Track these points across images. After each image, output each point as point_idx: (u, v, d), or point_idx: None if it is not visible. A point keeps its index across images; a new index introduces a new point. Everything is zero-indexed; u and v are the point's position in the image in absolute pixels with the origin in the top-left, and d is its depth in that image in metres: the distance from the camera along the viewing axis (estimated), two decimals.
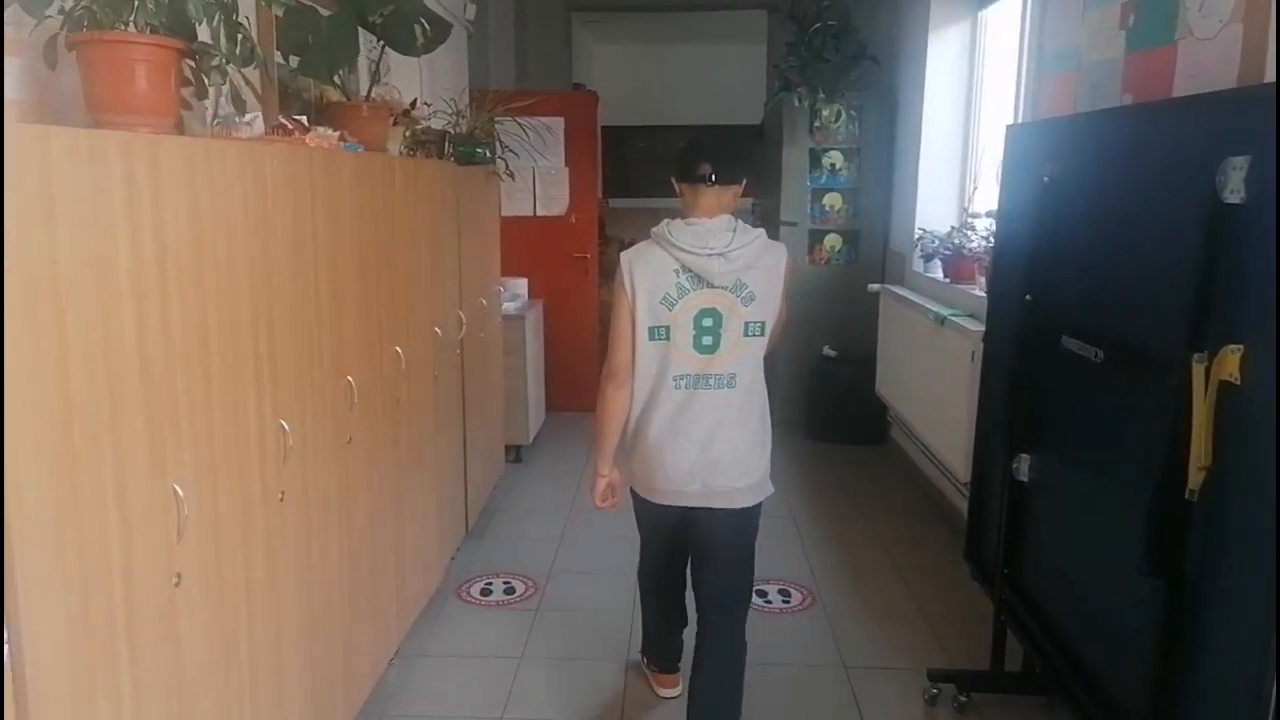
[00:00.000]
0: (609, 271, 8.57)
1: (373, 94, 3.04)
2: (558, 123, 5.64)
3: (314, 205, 2.08)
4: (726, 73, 10.78)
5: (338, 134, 2.55)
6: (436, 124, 4.05)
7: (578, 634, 3.15)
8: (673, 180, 2.36)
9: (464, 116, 4.00)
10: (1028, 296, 2.44)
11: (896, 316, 4.64)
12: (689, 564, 2.55)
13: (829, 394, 5.33)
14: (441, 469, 3.26)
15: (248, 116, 2.34)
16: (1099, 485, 2.12)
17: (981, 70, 4.57)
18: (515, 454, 4.93)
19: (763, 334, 2.30)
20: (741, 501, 2.34)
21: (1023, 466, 2.49)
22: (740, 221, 2.29)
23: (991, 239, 3.95)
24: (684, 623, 2.77)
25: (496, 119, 4.13)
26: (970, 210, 4.32)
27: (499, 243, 4.36)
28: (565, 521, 4.12)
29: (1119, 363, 1.97)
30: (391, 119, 3.16)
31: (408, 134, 3.45)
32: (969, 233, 4.19)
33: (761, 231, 2.29)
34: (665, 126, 11.45)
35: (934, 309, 4.01)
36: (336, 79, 2.86)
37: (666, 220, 2.30)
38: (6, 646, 1.18)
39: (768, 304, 2.29)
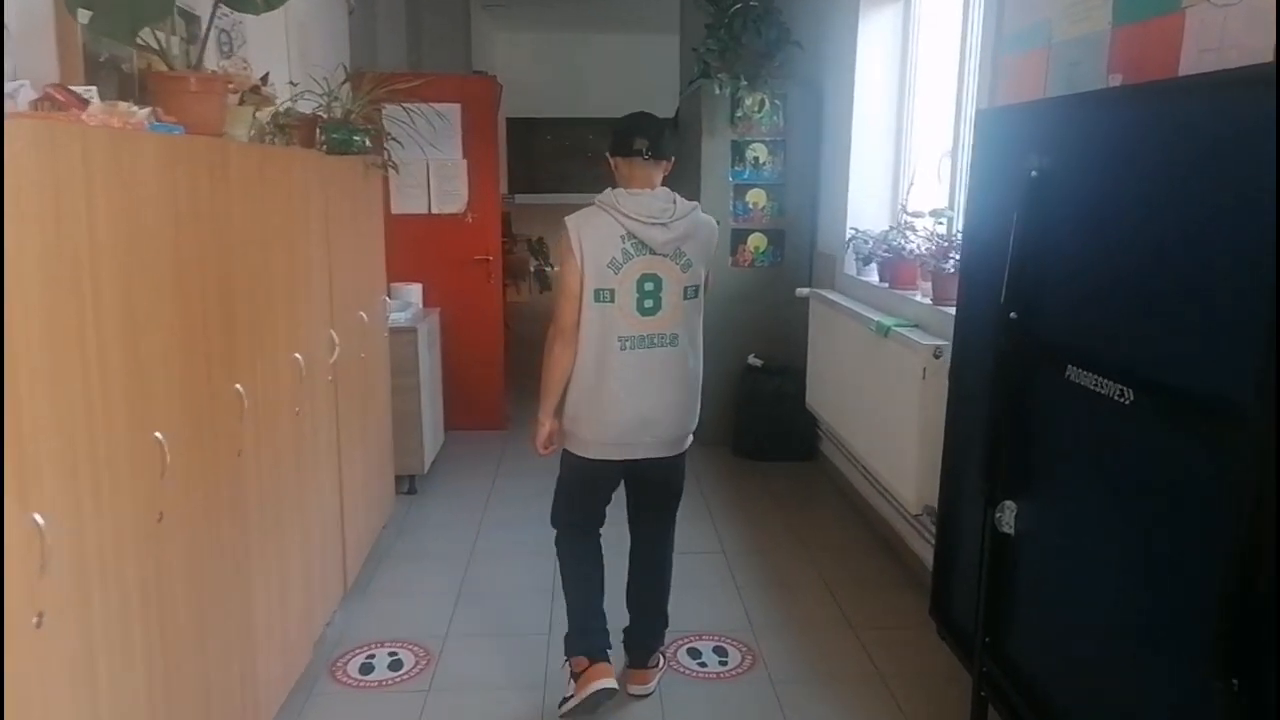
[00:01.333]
0: (516, 272, 8.00)
1: (214, 66, 2.45)
2: (453, 110, 5.07)
3: (91, 200, 1.51)
4: (637, 63, 10.33)
5: (147, 111, 1.97)
6: (305, 107, 3.47)
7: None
8: (607, 154, 2.55)
9: (338, 99, 3.41)
10: (1013, 314, 2.04)
11: (829, 324, 4.25)
12: (627, 503, 2.75)
13: (756, 407, 4.92)
14: (307, 524, 2.70)
15: (10, 85, 1.76)
16: (1122, 550, 1.71)
17: (916, 55, 4.21)
18: (409, 484, 4.36)
19: (698, 296, 2.55)
20: (683, 446, 2.66)
21: (1007, 516, 2.09)
22: (676, 194, 2.49)
23: (934, 241, 3.58)
24: (601, 590, 2.76)
25: (380, 104, 3.55)
26: (907, 208, 3.95)
27: (383, 246, 3.79)
28: (465, 567, 3.58)
29: (1158, 408, 1.57)
30: (236, 97, 2.57)
31: (260, 116, 2.87)
32: (909, 233, 3.82)
33: (696, 204, 2.52)
34: (575, 119, 10.95)
35: (874, 318, 3.62)
36: (158, 43, 2.26)
37: (610, 189, 2.48)
38: None
39: (700, 269, 2.53)
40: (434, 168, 5.13)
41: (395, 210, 5.10)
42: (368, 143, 3.51)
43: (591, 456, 2.55)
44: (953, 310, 3.21)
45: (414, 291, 4.85)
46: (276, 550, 2.44)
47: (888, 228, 4.16)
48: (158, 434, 1.73)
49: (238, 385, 2.13)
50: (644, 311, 2.45)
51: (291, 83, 3.48)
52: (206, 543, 1.99)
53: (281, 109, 3.13)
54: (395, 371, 4.06)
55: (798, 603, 3.30)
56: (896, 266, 3.79)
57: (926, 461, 3.13)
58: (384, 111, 4.12)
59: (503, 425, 5.48)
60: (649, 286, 2.45)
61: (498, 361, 5.41)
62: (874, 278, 4.16)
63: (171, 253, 1.81)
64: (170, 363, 1.81)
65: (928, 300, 3.48)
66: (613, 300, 2.43)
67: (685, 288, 2.49)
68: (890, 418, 3.36)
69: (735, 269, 4.98)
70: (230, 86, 2.47)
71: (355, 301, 3.27)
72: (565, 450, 2.63)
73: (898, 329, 3.37)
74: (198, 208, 1.94)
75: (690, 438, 2.67)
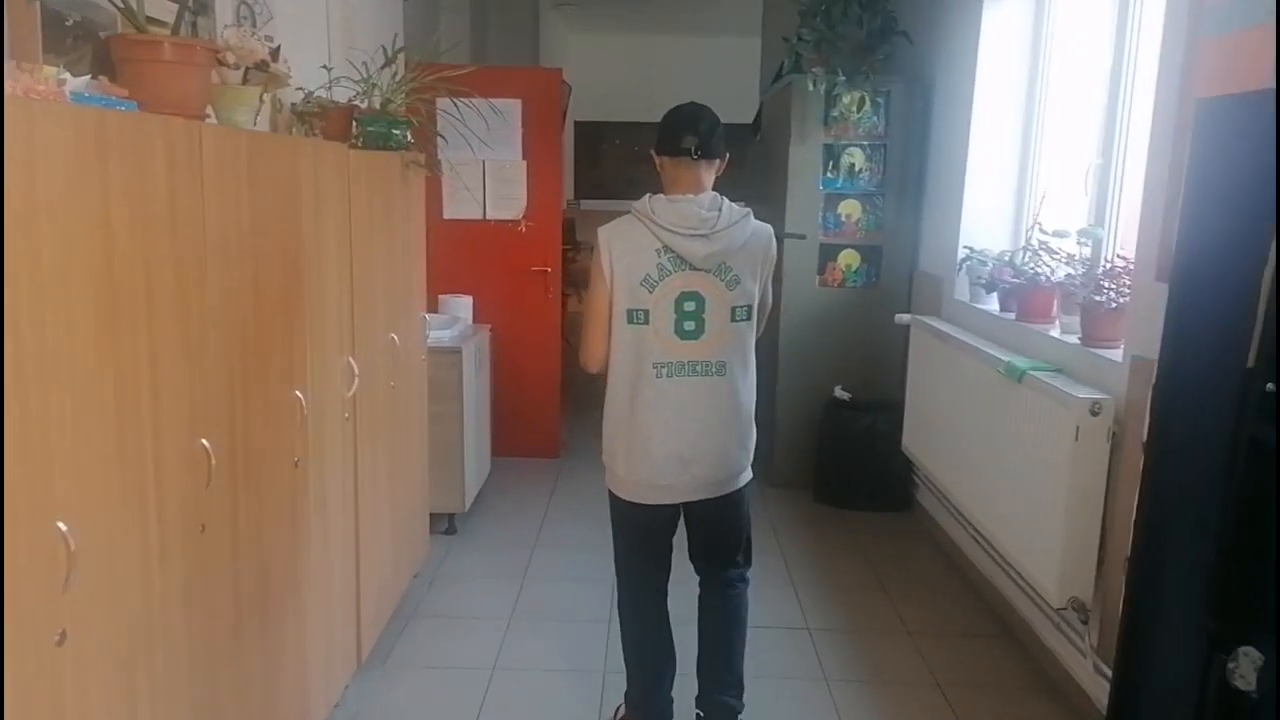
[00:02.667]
0: (578, 280, 7.54)
1: (205, 34, 1.98)
2: (513, 106, 4.59)
3: None
4: (714, 67, 9.78)
5: (86, 80, 1.50)
6: (342, 96, 3.01)
7: None
8: (652, 152, 2.27)
9: (376, 86, 2.94)
10: (1270, 386, 1.43)
11: (937, 359, 3.63)
12: (688, 548, 2.43)
13: (843, 447, 4.31)
14: (306, 594, 2.20)
15: None
16: None
17: (1049, 50, 3.57)
18: (447, 523, 3.86)
19: (750, 319, 2.24)
20: (737, 484, 2.31)
21: (1245, 668, 1.47)
22: (726, 200, 2.21)
23: (1079, 266, 2.95)
24: (672, 663, 2.44)
25: (428, 96, 3.06)
26: (1039, 226, 3.31)
27: (423, 255, 3.30)
28: (505, 632, 3.06)
29: None
30: (238, 72, 2.10)
31: (272, 100, 2.40)
32: (1044, 255, 3.19)
33: (748, 211, 2.21)
34: (645, 123, 10.40)
35: (1002, 356, 3.00)
36: (129, 2, 1.78)
37: (648, 195, 2.20)
38: None
39: (752, 287, 2.22)
40: (490, 169, 4.65)
41: (447, 215, 4.65)
42: (409, 137, 3.04)
43: (628, 498, 2.29)
44: (1112, 354, 2.61)
45: (464, 305, 4.38)
46: (262, 627, 1.94)
47: (1015, 249, 3.53)
48: (60, 524, 1.24)
49: (204, 441, 1.64)
50: (684, 335, 2.18)
51: (325, 67, 3.02)
52: (178, 623, 1.50)
53: (301, 93, 2.68)
54: (435, 397, 3.57)
55: (903, 709, 2.69)
56: (1028, 295, 3.16)
57: (1076, 543, 2.51)
58: (438, 107, 3.69)
59: (557, 452, 4.97)
60: (689, 306, 2.16)
61: (554, 383, 4.90)
62: (993, 305, 3.54)
63: (101, 262, 1.32)
64: (105, 415, 1.32)
65: (1072, 338, 2.85)
66: (647, 322, 2.17)
67: (734, 308, 2.19)
68: (1025, 483, 2.74)
69: (823, 289, 4.40)
70: (223, 58, 2.00)
71: (385, 321, 2.78)
72: (609, 492, 2.35)
73: (1035, 373, 2.75)
74: (149, 208, 1.45)
75: (747, 475, 2.33)
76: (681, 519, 2.37)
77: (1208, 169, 1.66)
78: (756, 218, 2.23)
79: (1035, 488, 2.67)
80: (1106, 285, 2.70)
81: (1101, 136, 3.05)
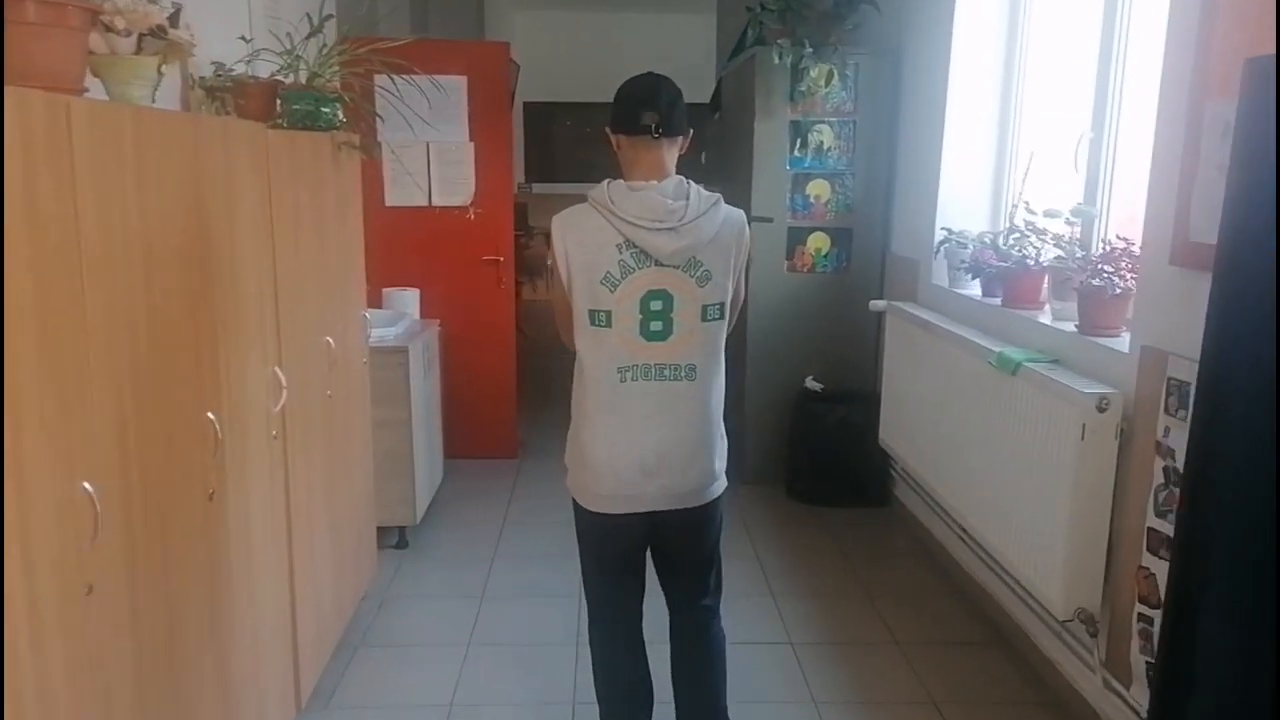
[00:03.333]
0: (533, 267, 7.21)
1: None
2: (458, 83, 4.27)
3: None
4: (668, 45, 9.46)
5: None
6: (264, 72, 2.69)
7: None
8: (607, 130, 2.02)
9: (301, 59, 2.63)
10: None
11: (916, 347, 3.43)
12: (658, 572, 2.21)
13: (816, 441, 4.10)
14: (229, 641, 1.92)
15: None
16: None
17: (1028, 11, 3.37)
18: (398, 536, 3.58)
19: (722, 316, 2.02)
20: (709, 495, 2.09)
21: None
22: (693, 184, 1.97)
23: (1070, 248, 2.76)
24: (649, 694, 2.22)
25: (361, 70, 2.75)
26: (1026, 205, 3.11)
27: (362, 247, 3.00)
28: (462, 660, 2.80)
29: None
30: (130, 39, 1.79)
31: (172, 71, 2.08)
32: (1032, 238, 2.99)
33: (718, 197, 1.99)
34: (597, 104, 10.10)
35: (992, 346, 2.80)
36: None
37: (607, 181, 1.96)
38: None
39: (724, 282, 2.00)
40: (435, 152, 4.34)
41: (390, 202, 4.33)
42: (341, 116, 2.73)
43: (592, 508, 2.07)
44: (1114, 343, 2.42)
45: (410, 299, 4.07)
46: (174, 693, 1.66)
47: (998, 229, 3.34)
48: None
49: (87, 485, 1.35)
50: (650, 336, 1.96)
51: (244, 38, 2.69)
52: (62, 711, 1.22)
53: (213, 65, 2.36)
54: (380, 401, 3.28)
55: None
56: (1016, 279, 2.96)
57: (1083, 551, 2.33)
58: (376, 85, 3.39)
59: (515, 453, 4.70)
60: (656, 306, 1.94)
61: (509, 379, 4.62)
62: (975, 290, 3.34)
63: None
64: None
65: (1066, 326, 2.65)
66: (609, 324, 1.94)
67: (704, 307, 1.97)
68: (1023, 485, 2.54)
69: (791, 274, 4.17)
70: (110, 22, 1.69)
71: (318, 323, 2.49)
72: (573, 500, 2.13)
73: (1031, 365, 2.55)
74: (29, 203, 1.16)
75: (721, 485, 2.12)
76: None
77: (1261, 139, 1.44)
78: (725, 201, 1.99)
79: (1035, 490, 2.47)
80: (1105, 269, 2.51)
81: (1093, 107, 2.85)
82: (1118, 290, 2.41)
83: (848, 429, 4.04)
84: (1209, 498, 1.58)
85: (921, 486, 3.53)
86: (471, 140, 4.35)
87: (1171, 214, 2.09)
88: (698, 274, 1.95)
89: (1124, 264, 2.46)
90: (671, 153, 1.99)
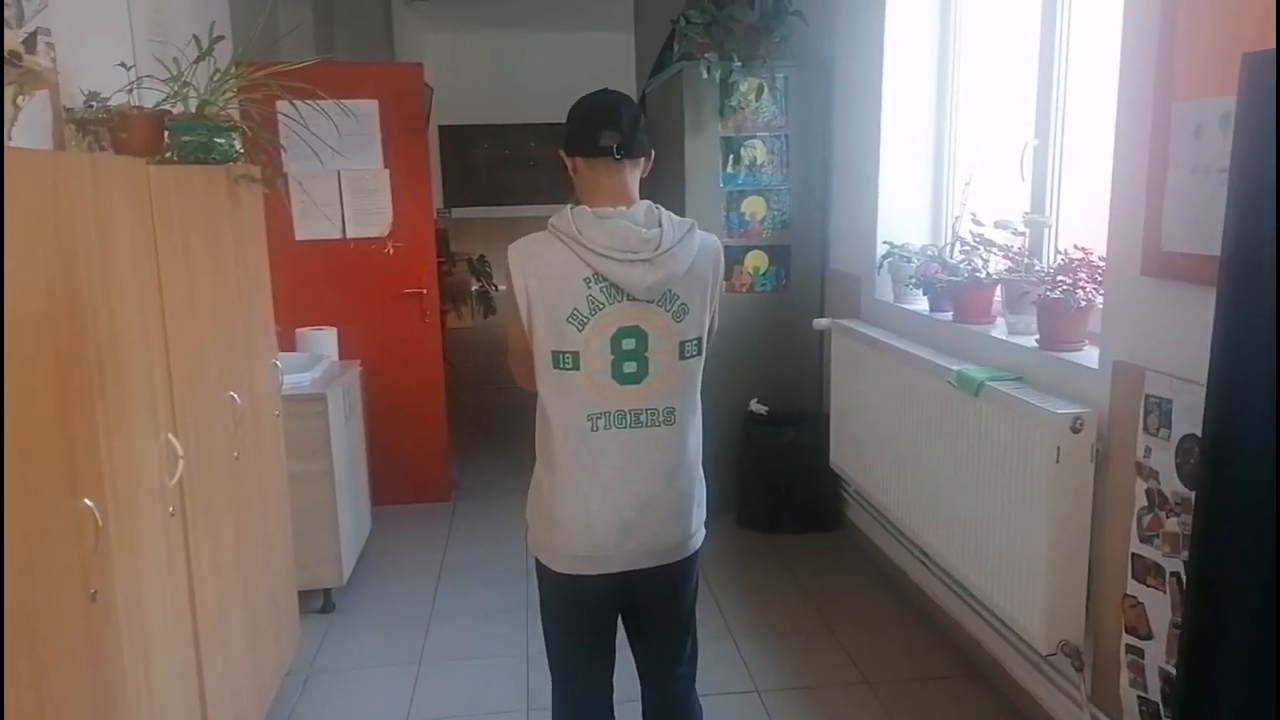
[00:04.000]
0: (457, 295, 6.90)
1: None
2: (369, 108, 4.02)
3: None
4: (585, 64, 9.26)
5: None
6: (151, 101, 2.42)
7: None
8: (561, 154, 1.84)
9: (190, 86, 2.37)
10: None
11: (865, 366, 3.30)
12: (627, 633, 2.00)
13: (765, 465, 3.95)
14: None
15: None
16: None
17: (958, 16, 3.29)
18: (323, 600, 3.29)
19: (700, 353, 1.85)
20: (690, 548, 1.91)
21: None
22: (661, 209, 1.80)
23: (1019, 260, 2.66)
24: None
25: (252, 96, 2.49)
26: (973, 216, 3.01)
27: (269, 288, 2.73)
28: None
29: None
30: None
31: (56, 107, 1.82)
32: (980, 250, 2.89)
33: (692, 223, 1.80)
34: (514, 125, 9.91)
35: (950, 365, 2.67)
36: None
37: (570, 208, 1.76)
38: None
39: (702, 315, 1.83)
40: (348, 181, 4.07)
41: (300, 236, 4.04)
42: (238, 147, 2.48)
43: (561, 570, 1.85)
44: (1079, 358, 2.31)
45: (326, 339, 3.80)
46: None
47: (941, 242, 3.24)
48: None
49: None
50: (624, 379, 1.76)
51: (124, 65, 2.42)
52: None
53: (89, 96, 2.09)
54: (297, 454, 3.00)
55: None
56: (967, 293, 2.85)
57: (1063, 580, 2.20)
58: (279, 112, 3.14)
59: (448, 495, 4.43)
60: (629, 344, 1.75)
61: (438, 418, 4.36)
62: (922, 305, 3.23)
63: None
64: None
65: (1023, 340, 2.54)
66: (577, 366, 1.75)
67: (682, 343, 1.79)
68: (993, 512, 2.41)
69: (730, 295, 4.01)
70: None
71: (219, 378, 2.21)
72: (536, 560, 1.91)
73: (994, 384, 2.43)
74: None
75: (700, 536, 1.92)
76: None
77: (1265, 140, 1.32)
78: None
79: (1006, 516, 2.34)
80: (1063, 280, 2.40)
81: (1035, 113, 2.76)
82: (1082, 303, 2.30)
83: (797, 452, 3.90)
84: (1221, 534, 1.44)
85: (876, 509, 3.40)
86: (386, 167, 4.10)
87: (1140, 222, 1.99)
88: (674, 308, 1.76)
89: (1084, 275, 2.36)
90: (634, 175, 1.81)
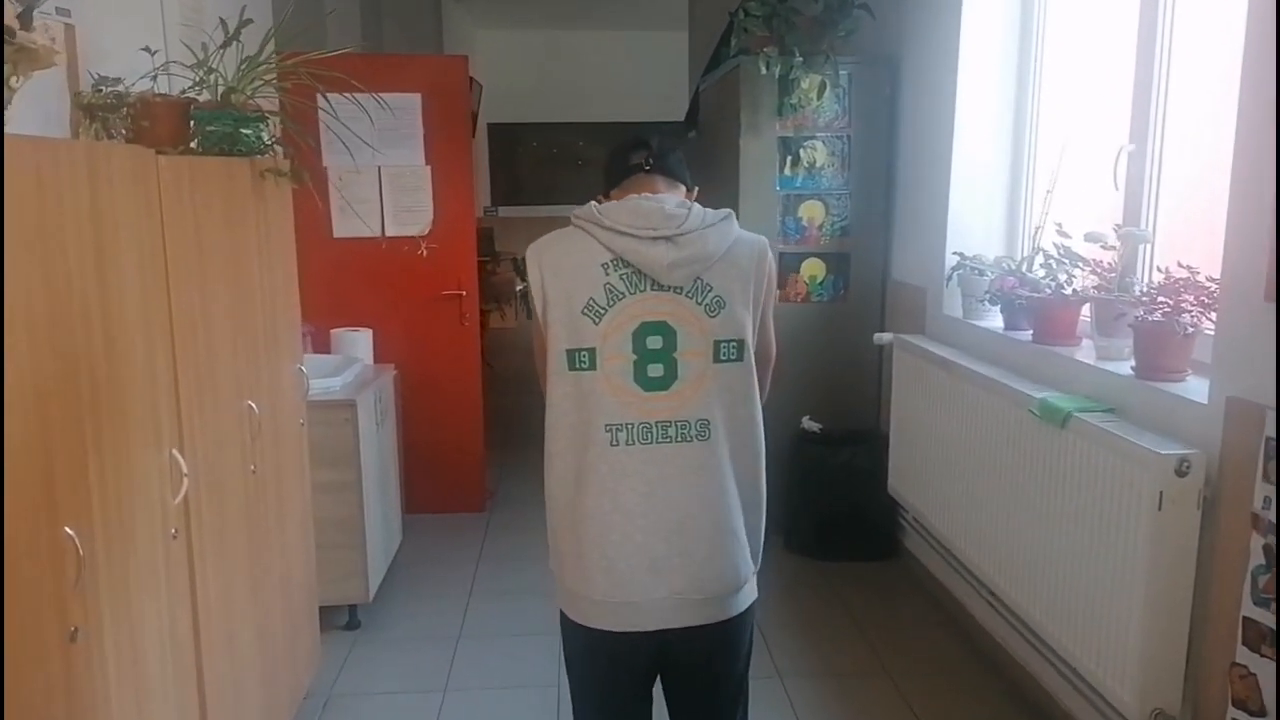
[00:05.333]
0: (500, 295, 6.78)
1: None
2: (412, 102, 3.87)
3: None
4: (638, 64, 9.18)
5: None
6: (171, 87, 2.29)
7: None
8: (599, 198, 1.68)
9: (216, 73, 2.22)
10: None
11: (932, 387, 3.06)
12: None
13: (818, 487, 3.71)
14: None
15: None
16: None
17: (1044, 16, 3.04)
18: (349, 616, 3.14)
19: (741, 357, 1.59)
20: (736, 606, 1.64)
21: None
22: (697, 204, 1.62)
23: (1110, 278, 2.40)
24: None
25: (280, 84, 2.34)
26: (1058, 228, 2.75)
27: (296, 289, 2.58)
28: None
29: None
30: None
31: (74, 92, 1.68)
32: (1068, 265, 2.63)
33: (729, 213, 1.61)
34: (565, 124, 9.77)
35: (1028, 390, 2.43)
36: None
37: (596, 199, 1.65)
38: None
39: (743, 314, 1.59)
40: (388, 178, 3.93)
41: (338, 234, 3.91)
42: (267, 138, 2.32)
43: (583, 622, 1.63)
44: (1182, 390, 2.05)
45: (361, 341, 3.66)
46: None
47: (1018, 253, 2.99)
48: None
49: None
50: (648, 384, 1.56)
51: (148, 49, 2.28)
52: None
53: (98, 81, 1.95)
54: (324, 462, 2.86)
55: None
56: (1051, 311, 2.60)
57: (1161, 641, 1.95)
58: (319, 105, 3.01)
59: (482, 505, 4.27)
60: (654, 342, 1.56)
61: (475, 425, 4.19)
62: (995, 322, 2.98)
63: None
64: None
65: (1116, 368, 2.29)
66: (593, 365, 1.56)
67: (718, 343, 1.58)
68: (1081, 560, 2.16)
69: (784, 304, 3.78)
70: None
71: (235, 387, 2.06)
72: (559, 608, 1.70)
73: (1084, 415, 2.18)
74: None
75: (751, 592, 1.68)
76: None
77: None
78: None
79: (1094, 565, 2.09)
80: (1164, 301, 2.15)
81: (1131, 115, 2.50)
82: (1189, 329, 2.05)
83: (852, 474, 3.67)
84: None
85: (938, 540, 3.15)
86: (428, 164, 3.94)
87: (1265, 241, 1.73)
88: (706, 300, 1.57)
89: (1189, 297, 2.11)
90: (669, 189, 1.68)
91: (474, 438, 4.19)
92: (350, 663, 2.94)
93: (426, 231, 3.94)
